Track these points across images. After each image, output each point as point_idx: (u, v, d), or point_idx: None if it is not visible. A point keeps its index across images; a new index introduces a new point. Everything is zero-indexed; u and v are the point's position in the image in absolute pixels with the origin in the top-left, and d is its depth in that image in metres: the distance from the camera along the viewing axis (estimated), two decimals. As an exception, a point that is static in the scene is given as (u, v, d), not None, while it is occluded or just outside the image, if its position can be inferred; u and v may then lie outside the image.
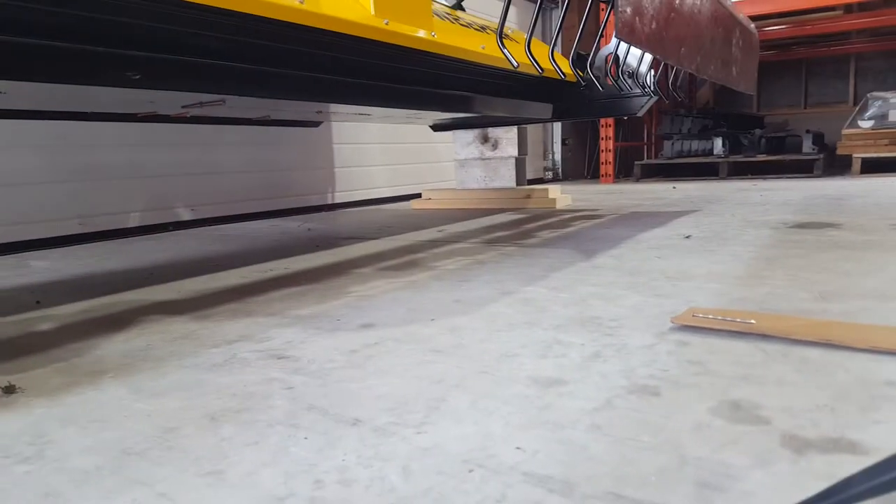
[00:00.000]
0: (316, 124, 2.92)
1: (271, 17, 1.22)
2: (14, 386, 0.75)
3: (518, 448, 0.55)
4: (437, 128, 3.14)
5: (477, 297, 1.12)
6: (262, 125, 2.67)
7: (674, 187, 3.94)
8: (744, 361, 0.74)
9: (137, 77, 1.12)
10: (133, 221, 2.38)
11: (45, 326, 1.05)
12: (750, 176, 4.67)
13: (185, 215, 2.58)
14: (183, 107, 1.63)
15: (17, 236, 2.04)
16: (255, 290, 1.29)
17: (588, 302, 1.05)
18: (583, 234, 1.92)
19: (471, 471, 0.52)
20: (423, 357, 0.81)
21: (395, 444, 0.57)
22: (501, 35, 1.55)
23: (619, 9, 1.35)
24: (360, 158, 3.46)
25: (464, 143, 3.10)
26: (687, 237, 1.75)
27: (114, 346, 0.92)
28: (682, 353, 0.78)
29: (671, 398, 0.65)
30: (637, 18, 1.43)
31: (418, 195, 3.23)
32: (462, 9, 2.30)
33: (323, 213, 3.09)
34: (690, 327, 0.88)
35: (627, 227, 2.04)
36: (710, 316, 0.91)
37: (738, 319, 0.88)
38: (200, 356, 0.85)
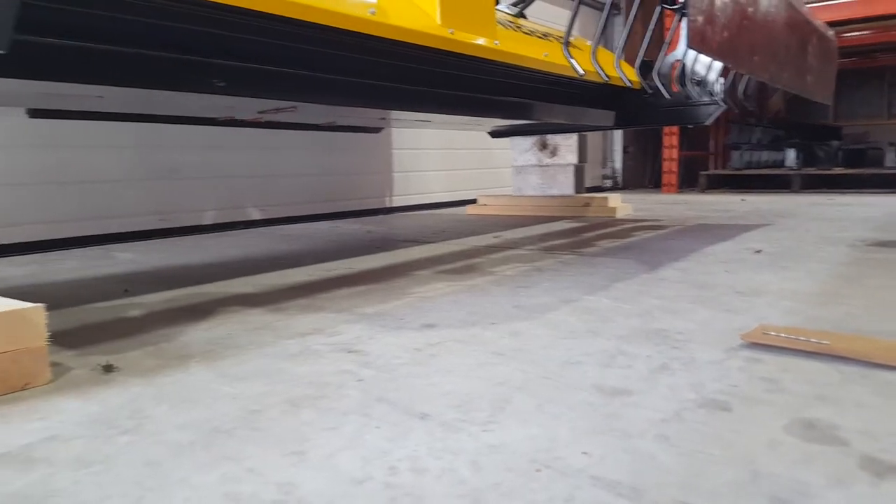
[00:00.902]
0: (377, 130, 2.99)
1: (346, 28, 1.28)
2: (112, 365, 0.82)
3: (585, 453, 0.57)
4: (495, 134, 3.16)
5: (537, 304, 1.14)
6: (327, 130, 2.75)
7: (742, 200, 3.83)
8: (819, 381, 0.73)
9: (222, 85, 1.19)
10: (207, 219, 2.50)
11: (134, 313, 1.13)
12: (825, 190, 4.49)
13: (254, 215, 2.69)
14: (259, 112, 1.71)
15: (103, 229, 2.18)
16: (322, 287, 1.34)
17: (653, 314, 1.05)
18: (645, 245, 1.90)
19: (538, 470, 0.54)
20: (486, 359, 0.83)
21: (463, 439, 0.60)
22: (567, 43, 1.57)
23: (690, 17, 1.34)
24: (418, 163, 3.52)
25: (521, 149, 3.11)
26: (757, 252, 1.71)
27: (198, 333, 0.98)
28: (753, 370, 0.77)
29: (742, 414, 0.65)
30: (708, 26, 1.42)
31: (474, 201, 3.26)
32: (524, 17, 2.32)
33: (380, 217, 3.16)
34: (761, 345, 0.87)
35: (693, 240, 2.01)
36: (783, 335, 0.89)
37: (813, 339, 0.86)
38: (277, 346, 0.90)
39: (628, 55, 2.05)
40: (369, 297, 1.23)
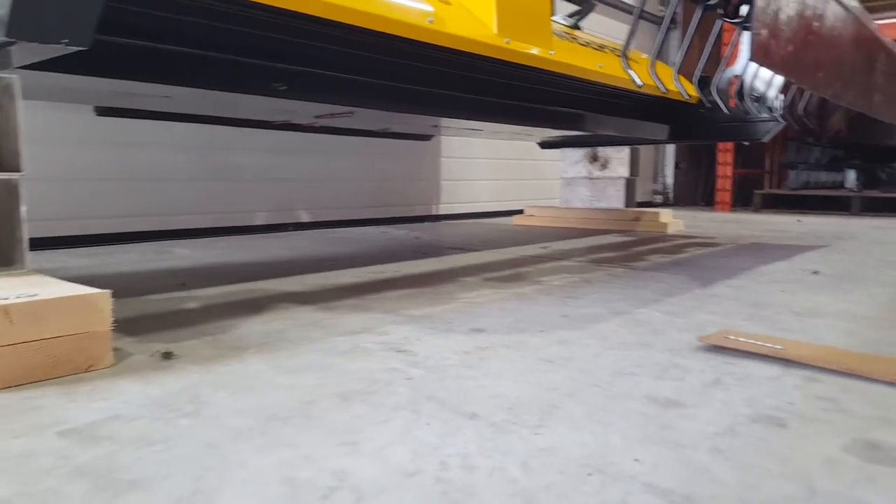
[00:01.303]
0: (427, 138, 3.02)
1: (404, 35, 1.30)
2: (171, 352, 0.85)
3: (637, 460, 0.56)
4: (545, 145, 3.15)
5: (586, 314, 1.13)
6: (378, 137, 2.80)
7: (798, 220, 3.71)
8: (882, 403, 0.70)
9: (284, 88, 1.22)
10: (259, 220, 2.56)
11: (191, 305, 1.17)
12: (887, 214, 4.31)
13: (304, 217, 2.74)
14: (315, 117, 1.76)
15: (161, 226, 2.26)
16: (370, 288, 1.36)
17: (706, 329, 1.03)
18: (697, 262, 1.86)
19: (590, 475, 0.53)
20: (535, 365, 0.83)
21: (512, 440, 0.60)
22: (626, 55, 1.56)
23: (754, 30, 1.32)
24: (465, 172, 3.53)
25: (571, 161, 3.09)
26: (815, 273, 1.65)
27: (252, 326, 1.01)
28: (810, 388, 0.75)
29: (799, 431, 0.63)
30: (772, 40, 1.39)
31: (520, 211, 3.25)
32: (579, 28, 2.31)
33: (427, 224, 3.18)
34: (720, 347, 0.88)
35: (747, 258, 1.96)
36: (741, 339, 0.91)
37: (769, 345, 0.88)
38: (328, 342, 0.92)
39: (684, 69, 2.02)
40: (417, 300, 1.24)
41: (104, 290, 0.81)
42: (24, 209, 0.91)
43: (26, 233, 0.92)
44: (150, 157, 2.24)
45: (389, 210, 3.12)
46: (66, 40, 0.70)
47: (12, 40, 0.68)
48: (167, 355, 0.84)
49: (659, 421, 0.65)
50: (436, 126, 2.17)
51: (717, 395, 0.72)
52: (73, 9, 0.70)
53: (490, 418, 0.65)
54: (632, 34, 1.52)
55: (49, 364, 0.77)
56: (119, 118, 2.02)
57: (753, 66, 2.02)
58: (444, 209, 3.41)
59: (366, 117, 1.84)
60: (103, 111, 1.88)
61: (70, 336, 0.78)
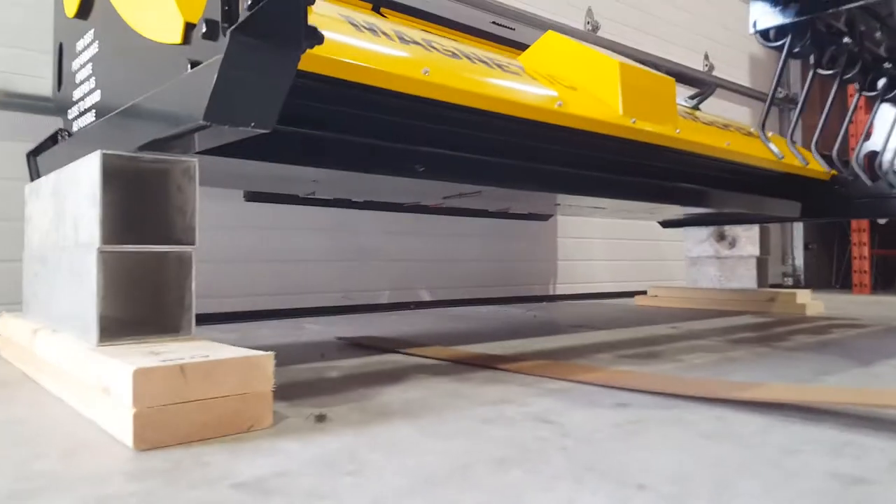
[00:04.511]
0: (545, 218, 3.06)
1: (535, 119, 1.36)
2: (324, 415, 0.88)
3: (834, 540, 0.51)
4: (667, 224, 3.08)
5: (738, 391, 1.06)
6: (496, 217, 2.87)
7: (958, 302, 3.32)
8: None
9: (422, 169, 1.30)
10: (383, 298, 2.66)
11: (332, 374, 1.22)
12: None
13: (424, 296, 2.82)
14: (444, 197, 1.84)
15: (296, 304, 2.41)
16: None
17: (877, 408, 0.93)
18: (848, 343, 1.70)
19: (784, 552, 0.49)
20: (692, 440, 0.78)
21: (687, 513, 0.56)
22: (763, 129, 1.52)
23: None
24: (583, 253, 3.51)
25: (696, 240, 2.99)
26: None
27: (394, 395, 1.03)
28: None
29: None
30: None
31: (639, 292, 3.15)
32: (699, 109, 2.31)
33: (544, 304, 3.15)
34: None
35: (907, 339, 1.77)
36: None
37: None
38: (471, 410, 0.92)
39: (806, 142, 1.96)
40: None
41: (267, 353, 0.86)
42: (193, 279, 1.01)
43: (194, 302, 1.01)
44: (290, 239, 2.42)
45: (506, 290, 3.13)
46: (252, 124, 0.79)
47: (206, 124, 0.79)
48: (321, 418, 0.88)
49: (848, 498, 0.58)
50: (557, 204, 2.20)
51: (916, 479, 0.64)
52: (261, 97, 0.80)
53: (659, 489, 0.61)
54: (767, 111, 1.50)
55: (216, 423, 0.82)
56: (263, 203, 2.22)
57: (893, 139, 1.92)
58: (560, 289, 3.38)
59: (491, 197, 1.90)
60: (251, 197, 2.07)
61: (236, 395, 0.84)
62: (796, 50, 1.39)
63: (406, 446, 0.75)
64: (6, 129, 1.86)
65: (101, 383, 0.84)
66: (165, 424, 0.77)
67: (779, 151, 1.52)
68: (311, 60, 0.97)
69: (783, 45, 1.35)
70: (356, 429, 0.83)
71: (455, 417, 0.88)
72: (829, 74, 1.41)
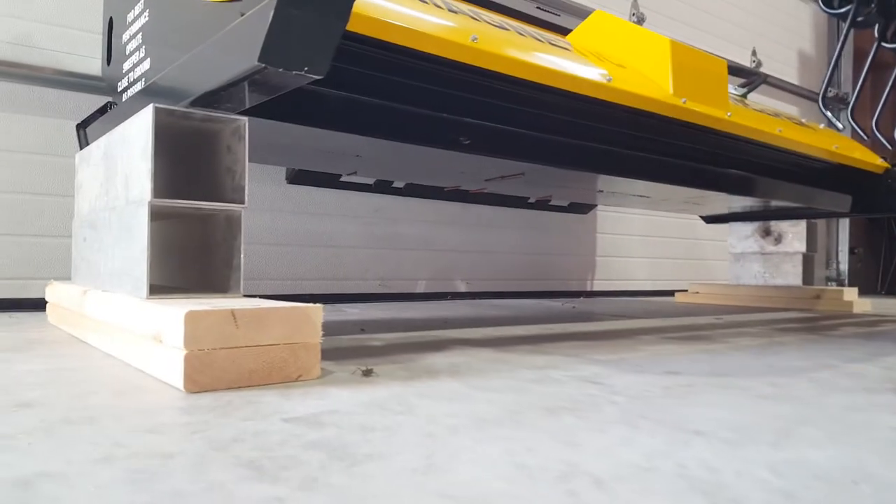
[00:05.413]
0: (586, 211, 3.02)
1: (583, 93, 1.34)
2: (371, 370, 0.89)
3: (909, 479, 0.48)
4: (710, 219, 3.02)
5: (791, 366, 1.03)
6: (535, 209, 2.85)
7: None
8: None
9: (467, 142, 1.29)
10: (420, 288, 2.67)
11: (376, 343, 1.23)
12: None
13: (461, 287, 2.81)
14: (486, 180, 1.83)
15: (333, 290, 2.43)
16: (543, 339, 1.34)
17: (945, 382, 0.89)
18: (904, 334, 1.64)
19: (855, 482, 0.47)
20: (749, 400, 0.76)
21: (751, 452, 0.54)
22: (824, 97, 1.48)
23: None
24: (621, 249, 3.46)
25: (741, 235, 2.92)
26: None
27: (437, 359, 1.03)
28: None
29: None
30: None
31: (678, 291, 3.10)
32: (747, 98, 2.26)
33: (581, 298, 3.12)
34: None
35: (967, 332, 1.69)
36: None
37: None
38: (516, 372, 0.91)
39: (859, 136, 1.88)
40: (597, 348, 1.20)
41: (316, 304, 0.87)
42: (241, 239, 1.02)
43: (242, 262, 1.02)
44: (330, 225, 2.44)
45: (543, 284, 3.11)
46: (306, 68, 0.80)
47: (261, 66, 0.79)
48: (367, 372, 0.88)
49: (924, 453, 0.56)
50: (600, 191, 2.16)
51: None
52: (314, 39, 0.80)
53: (718, 435, 0.60)
54: (830, 76, 1.45)
55: (265, 370, 0.83)
56: (305, 186, 2.24)
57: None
58: (598, 285, 3.34)
59: (533, 182, 1.89)
60: (294, 178, 2.09)
61: (285, 345, 0.84)
62: (860, 18, 1.34)
63: (455, 396, 0.75)
64: (36, 106, 1.89)
65: (153, 330, 0.85)
66: (215, 368, 0.78)
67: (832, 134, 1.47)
68: (361, 21, 0.97)
69: (847, 12, 1.31)
70: (403, 382, 0.83)
71: (501, 377, 0.87)
72: (892, 49, 1.36)
